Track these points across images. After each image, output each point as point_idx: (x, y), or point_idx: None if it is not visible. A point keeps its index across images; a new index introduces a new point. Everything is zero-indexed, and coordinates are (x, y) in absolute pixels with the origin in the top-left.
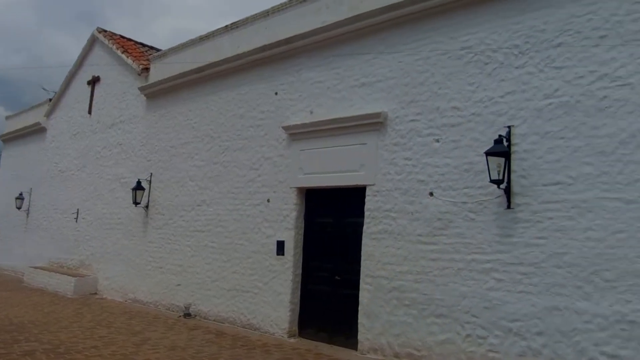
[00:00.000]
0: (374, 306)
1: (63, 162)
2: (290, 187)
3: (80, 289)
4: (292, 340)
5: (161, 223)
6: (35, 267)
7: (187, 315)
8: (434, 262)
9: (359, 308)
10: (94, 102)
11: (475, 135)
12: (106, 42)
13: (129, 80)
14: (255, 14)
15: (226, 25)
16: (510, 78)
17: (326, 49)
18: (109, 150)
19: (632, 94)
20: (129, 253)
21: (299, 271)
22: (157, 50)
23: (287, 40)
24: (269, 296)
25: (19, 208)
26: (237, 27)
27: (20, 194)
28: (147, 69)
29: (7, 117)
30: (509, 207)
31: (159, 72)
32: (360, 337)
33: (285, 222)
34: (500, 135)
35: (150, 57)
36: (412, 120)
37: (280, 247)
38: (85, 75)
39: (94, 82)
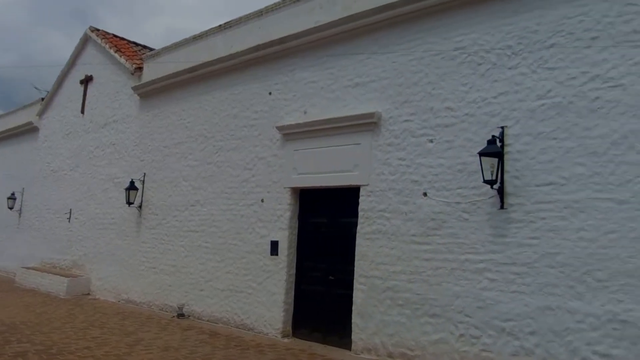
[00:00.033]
0: (367, 306)
1: (55, 161)
2: (284, 187)
3: (72, 290)
4: (285, 340)
5: (154, 223)
6: (28, 268)
7: (181, 315)
8: (427, 262)
9: (353, 308)
10: (86, 101)
11: (469, 135)
12: (99, 41)
13: (122, 79)
14: (249, 14)
15: (220, 25)
16: (503, 79)
17: (320, 49)
18: (102, 150)
19: (624, 95)
20: (122, 253)
21: (293, 271)
22: (151, 49)
23: (281, 40)
24: (263, 296)
25: (11, 208)
26: (230, 26)
27: (12, 194)
28: (140, 69)
29: None
30: (502, 207)
31: (152, 71)
32: (354, 337)
33: (279, 222)
34: (493, 136)
35: (143, 56)
36: (406, 121)
37: (274, 247)
38: (78, 74)
39: (86, 81)
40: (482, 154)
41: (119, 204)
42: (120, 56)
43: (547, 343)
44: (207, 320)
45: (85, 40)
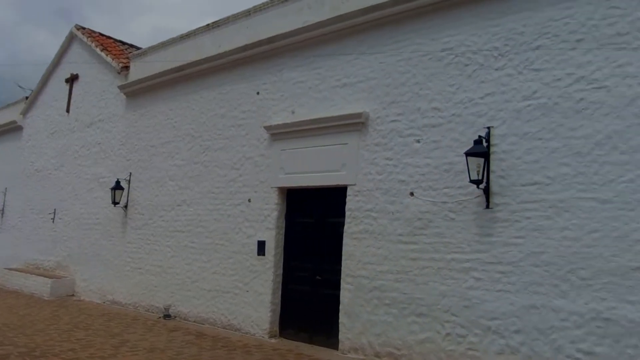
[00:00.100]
0: (354, 306)
1: (40, 161)
2: (272, 187)
3: (57, 291)
4: (272, 340)
5: (140, 223)
6: (10, 269)
7: (167, 316)
8: (414, 261)
9: (340, 308)
10: (72, 100)
11: (456, 135)
12: (85, 39)
13: (108, 78)
14: (237, 13)
15: (207, 24)
16: (490, 80)
17: (308, 49)
18: (87, 150)
19: (608, 97)
20: (108, 254)
21: (280, 271)
22: (137, 48)
23: (269, 40)
24: (250, 297)
25: None
26: (218, 26)
27: None
28: (127, 68)
29: None
30: (488, 206)
31: (139, 70)
32: (341, 336)
33: (266, 222)
34: (479, 136)
35: (130, 55)
36: (393, 121)
37: (261, 247)
38: (63, 73)
39: (72, 80)
40: (468, 154)
41: (104, 203)
42: (107, 55)
43: (532, 341)
44: (194, 321)
45: (70, 39)
